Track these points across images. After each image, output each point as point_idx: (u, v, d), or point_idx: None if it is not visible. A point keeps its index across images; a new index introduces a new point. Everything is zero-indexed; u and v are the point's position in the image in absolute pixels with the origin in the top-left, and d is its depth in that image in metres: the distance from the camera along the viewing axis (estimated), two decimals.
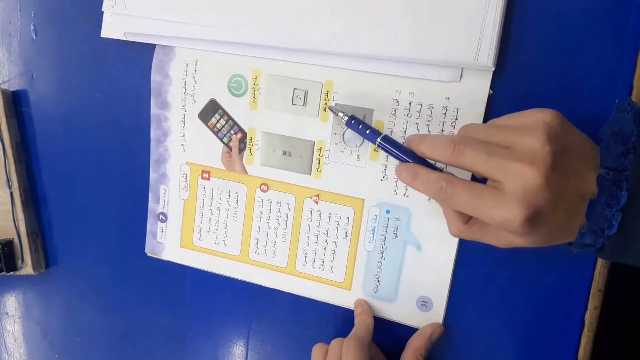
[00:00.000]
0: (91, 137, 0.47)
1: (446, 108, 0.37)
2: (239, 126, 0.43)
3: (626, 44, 0.34)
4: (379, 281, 0.42)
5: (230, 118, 0.43)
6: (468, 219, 0.33)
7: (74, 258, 0.51)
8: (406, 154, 0.34)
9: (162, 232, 0.47)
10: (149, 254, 0.48)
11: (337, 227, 0.42)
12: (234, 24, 0.39)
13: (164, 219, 0.47)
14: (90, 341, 0.53)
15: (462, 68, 0.36)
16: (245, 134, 0.43)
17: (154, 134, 0.45)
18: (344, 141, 0.40)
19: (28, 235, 0.50)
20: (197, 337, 0.49)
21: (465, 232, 0.33)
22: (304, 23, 0.38)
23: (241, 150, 0.43)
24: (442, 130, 0.38)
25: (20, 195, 0.49)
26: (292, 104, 0.41)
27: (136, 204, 0.47)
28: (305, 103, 0.41)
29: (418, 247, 0.40)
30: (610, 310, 0.39)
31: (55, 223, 0.51)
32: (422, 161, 0.33)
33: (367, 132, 0.36)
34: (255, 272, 0.45)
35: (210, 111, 0.43)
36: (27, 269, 0.50)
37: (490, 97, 0.36)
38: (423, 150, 0.32)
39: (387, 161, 0.40)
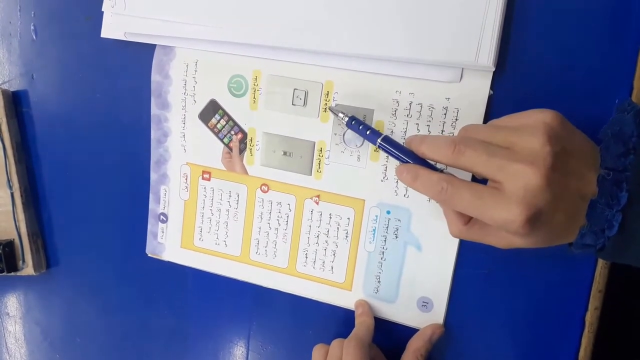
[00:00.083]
0: (91, 138, 0.47)
1: (446, 108, 0.37)
2: (239, 126, 0.43)
3: (626, 44, 0.34)
4: (379, 281, 0.42)
5: (230, 118, 0.43)
6: (468, 220, 0.33)
7: (74, 258, 0.51)
8: (406, 154, 0.34)
9: (163, 232, 0.47)
10: (149, 255, 0.48)
11: (338, 228, 0.42)
12: (234, 24, 0.39)
13: (165, 219, 0.47)
14: (90, 341, 0.53)
15: (462, 68, 0.36)
16: (245, 134, 0.43)
17: (154, 134, 0.45)
18: (344, 141, 0.40)
19: (29, 235, 0.50)
20: (198, 337, 0.49)
21: (465, 232, 0.33)
22: (304, 23, 0.38)
23: (241, 151, 0.43)
24: (442, 131, 0.38)
25: (21, 195, 0.49)
26: (292, 104, 0.41)
27: (136, 204, 0.47)
28: (305, 103, 0.41)
29: (418, 248, 0.40)
30: (610, 310, 0.39)
31: (55, 223, 0.51)
32: (422, 162, 0.33)
33: (367, 132, 0.36)
34: (256, 272, 0.45)
35: (210, 111, 0.43)
36: (28, 270, 0.50)
37: (490, 97, 0.36)
38: (423, 150, 0.32)
39: (387, 161, 0.40)
